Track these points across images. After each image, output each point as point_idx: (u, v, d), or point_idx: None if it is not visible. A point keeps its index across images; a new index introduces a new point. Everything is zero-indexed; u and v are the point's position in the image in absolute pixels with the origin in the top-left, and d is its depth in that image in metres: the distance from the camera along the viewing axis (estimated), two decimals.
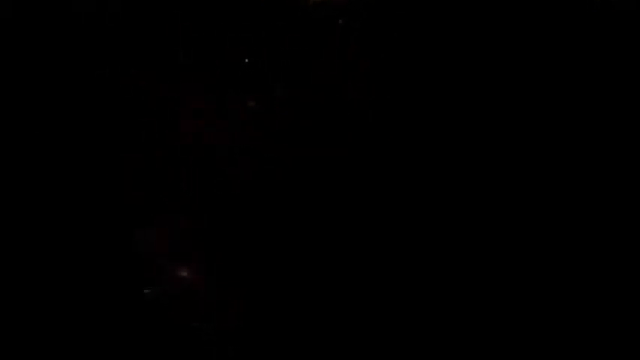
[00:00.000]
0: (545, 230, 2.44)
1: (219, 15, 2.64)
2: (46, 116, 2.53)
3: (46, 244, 2.41)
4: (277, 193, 2.51)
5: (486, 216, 2.47)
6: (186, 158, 2.54)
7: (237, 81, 2.62)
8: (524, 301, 2.38)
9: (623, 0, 2.59)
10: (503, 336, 2.35)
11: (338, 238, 2.46)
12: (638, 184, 2.46)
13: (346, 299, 2.40)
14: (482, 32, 2.60)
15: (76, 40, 2.59)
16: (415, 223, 2.48)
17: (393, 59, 2.63)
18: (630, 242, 2.41)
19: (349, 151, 2.55)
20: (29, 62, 2.57)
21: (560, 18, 2.60)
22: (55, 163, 2.50)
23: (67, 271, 2.39)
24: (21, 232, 2.41)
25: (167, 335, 2.36)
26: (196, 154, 2.54)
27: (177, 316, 2.38)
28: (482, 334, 2.35)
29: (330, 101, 2.60)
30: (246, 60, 2.54)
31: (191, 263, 2.45)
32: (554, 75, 2.57)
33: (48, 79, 2.56)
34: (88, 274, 2.39)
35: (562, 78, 2.57)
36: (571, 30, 2.59)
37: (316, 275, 2.43)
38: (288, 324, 2.39)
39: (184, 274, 2.44)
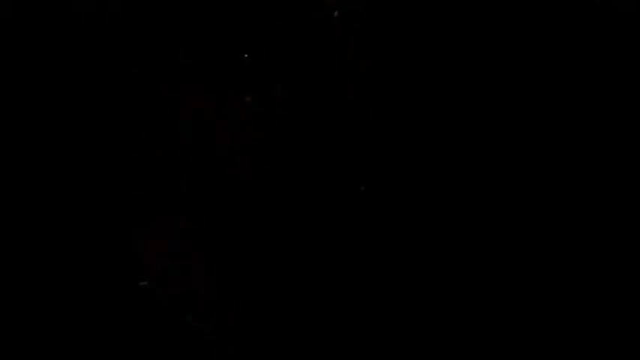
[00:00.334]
0: (545, 230, 2.44)
1: (219, 15, 2.64)
2: (46, 116, 2.53)
3: (45, 243, 2.41)
4: (277, 193, 2.51)
5: (486, 216, 2.47)
6: (186, 158, 2.54)
7: (237, 81, 2.61)
8: (524, 301, 2.38)
9: (623, 0, 2.59)
10: (503, 336, 2.35)
11: (338, 238, 2.46)
12: (639, 184, 2.46)
13: (346, 299, 2.40)
14: (482, 32, 2.60)
15: (76, 40, 2.59)
16: (415, 222, 2.48)
17: (393, 59, 2.63)
18: (630, 242, 2.41)
19: (349, 151, 2.55)
20: (29, 62, 2.57)
21: (560, 18, 2.60)
22: (54, 163, 2.49)
23: (66, 271, 2.39)
24: (20, 232, 2.41)
25: (167, 335, 2.36)
26: (196, 154, 2.54)
27: (177, 316, 2.38)
28: (482, 334, 2.35)
29: (330, 101, 2.60)
30: (246, 56, 2.54)
31: (191, 263, 2.45)
32: (555, 75, 2.57)
33: (48, 79, 2.56)
34: (88, 274, 2.39)
35: (562, 78, 2.57)
36: (571, 30, 2.59)
37: (316, 275, 2.43)
38: (288, 324, 2.39)
39: (184, 274, 2.44)
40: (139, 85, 2.58)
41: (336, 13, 2.49)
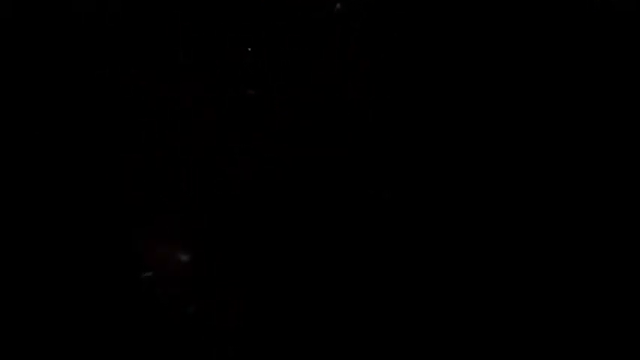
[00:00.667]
0: (545, 230, 2.44)
1: (219, 15, 2.64)
2: (46, 116, 2.53)
3: (45, 243, 2.41)
4: (277, 193, 2.51)
5: (486, 216, 2.47)
6: (186, 158, 2.54)
7: (237, 81, 2.61)
8: (524, 301, 2.38)
9: (623, 0, 2.59)
10: (503, 336, 2.35)
11: (338, 238, 2.46)
12: (639, 184, 2.46)
13: (347, 299, 2.40)
14: (482, 32, 2.60)
15: (76, 40, 2.59)
16: (415, 222, 2.48)
17: (393, 59, 2.63)
18: (630, 242, 2.41)
19: (349, 151, 2.55)
20: (29, 62, 2.57)
21: (559, 18, 2.60)
22: (54, 163, 2.49)
23: (66, 271, 2.39)
24: (19, 231, 2.41)
25: (167, 335, 2.36)
26: (196, 154, 2.54)
27: (177, 316, 2.38)
28: (482, 334, 2.36)
29: (330, 101, 2.60)
30: (249, 49, 2.53)
31: (191, 263, 2.45)
32: (555, 75, 2.57)
33: (48, 79, 2.56)
34: (87, 274, 2.39)
35: (562, 78, 2.57)
36: (571, 30, 2.59)
37: (316, 275, 2.43)
38: (288, 324, 2.39)
39: (184, 274, 2.44)
40: (139, 85, 2.58)
41: (338, 6, 2.49)
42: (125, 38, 2.61)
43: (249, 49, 2.57)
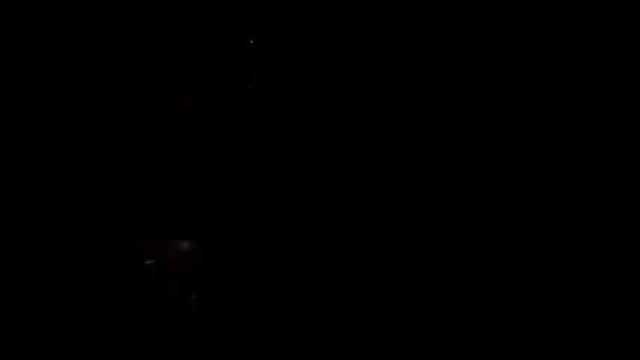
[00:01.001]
0: (545, 230, 2.44)
1: (219, 15, 2.64)
2: (46, 116, 2.53)
3: (44, 243, 2.41)
4: (277, 193, 2.51)
5: (486, 216, 2.47)
6: (186, 158, 2.54)
7: (237, 81, 2.61)
8: (524, 301, 2.38)
9: (623, 0, 2.59)
10: (503, 336, 2.35)
11: (338, 238, 2.46)
12: (638, 184, 2.46)
13: (347, 299, 2.40)
14: (483, 32, 2.60)
15: (76, 40, 2.59)
16: (415, 222, 2.48)
17: (393, 59, 2.63)
18: (630, 242, 2.41)
19: (349, 151, 2.55)
20: (29, 62, 2.57)
21: (559, 18, 2.60)
22: (54, 163, 2.50)
23: (66, 271, 2.39)
24: (19, 231, 2.41)
25: (167, 335, 2.36)
26: (196, 154, 2.54)
27: (177, 316, 2.38)
28: (481, 334, 2.36)
29: (330, 101, 2.60)
30: (251, 42, 2.53)
31: (191, 263, 2.45)
32: (555, 75, 2.57)
33: (48, 79, 2.56)
34: (87, 274, 2.39)
35: (562, 78, 2.57)
36: (571, 30, 2.59)
37: (317, 275, 2.43)
38: (288, 324, 2.39)
39: (184, 274, 2.44)
40: (139, 85, 2.58)
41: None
42: (125, 38, 2.61)
43: (251, 42, 2.56)
